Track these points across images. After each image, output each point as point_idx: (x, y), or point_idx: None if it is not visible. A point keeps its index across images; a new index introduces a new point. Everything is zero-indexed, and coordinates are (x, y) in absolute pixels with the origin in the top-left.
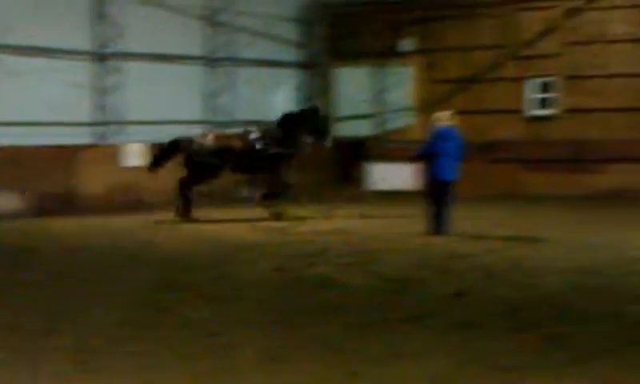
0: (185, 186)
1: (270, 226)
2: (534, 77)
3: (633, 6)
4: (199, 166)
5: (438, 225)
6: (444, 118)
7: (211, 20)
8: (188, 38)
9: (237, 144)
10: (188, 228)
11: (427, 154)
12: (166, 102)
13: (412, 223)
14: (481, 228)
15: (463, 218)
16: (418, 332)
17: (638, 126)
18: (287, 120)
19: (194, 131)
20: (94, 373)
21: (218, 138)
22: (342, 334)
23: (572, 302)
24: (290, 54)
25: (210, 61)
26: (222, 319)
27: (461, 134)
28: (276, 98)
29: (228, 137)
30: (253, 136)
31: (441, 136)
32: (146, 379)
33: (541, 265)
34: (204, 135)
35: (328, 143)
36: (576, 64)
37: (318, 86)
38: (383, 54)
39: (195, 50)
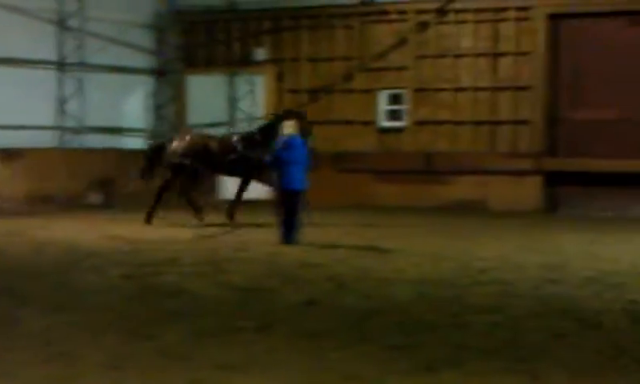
0: (184, 193)
1: (120, 234)
2: (385, 89)
3: (480, 21)
4: (176, 169)
5: (288, 234)
6: (290, 127)
7: (62, 24)
8: (39, 41)
9: (214, 145)
10: (40, 234)
11: (275, 163)
12: (15, 107)
13: (263, 232)
14: (331, 237)
15: (314, 228)
16: (266, 341)
17: (484, 139)
18: (268, 125)
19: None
20: None
21: (193, 139)
22: (187, 343)
23: (420, 312)
24: (142, 61)
25: (61, 65)
26: (63, 328)
27: (309, 143)
28: (128, 104)
29: (205, 138)
30: (234, 139)
31: (287, 145)
32: None
33: (390, 275)
34: (181, 137)
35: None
36: (425, 77)
37: (171, 93)
38: (236, 63)
39: (46, 55)
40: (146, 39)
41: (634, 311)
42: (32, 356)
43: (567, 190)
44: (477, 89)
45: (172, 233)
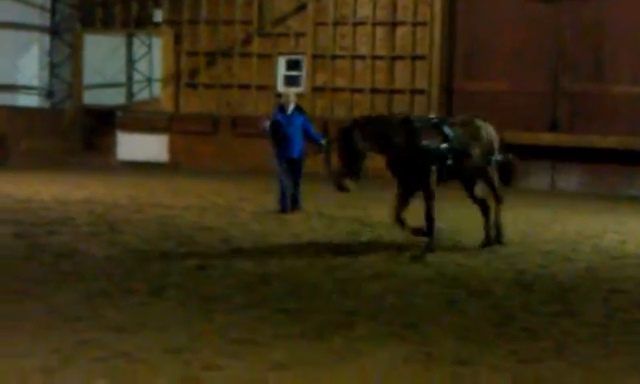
0: None
1: (12, 192)
2: (284, 54)
3: None
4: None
5: (284, 200)
6: (289, 97)
7: None
8: None
9: None
10: None
11: (273, 131)
12: None
13: (159, 194)
14: (229, 202)
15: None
16: (159, 303)
17: (379, 107)
18: None
19: None
20: None
21: None
22: (79, 304)
23: (311, 278)
24: (37, 18)
25: None
26: None
27: (305, 111)
28: (22, 61)
29: None
30: None
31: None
32: None
33: (286, 240)
34: None
35: None
36: (323, 44)
37: (67, 51)
38: (134, 24)
39: None
40: None
41: (522, 280)
42: None
43: None
44: (374, 57)
45: (66, 192)
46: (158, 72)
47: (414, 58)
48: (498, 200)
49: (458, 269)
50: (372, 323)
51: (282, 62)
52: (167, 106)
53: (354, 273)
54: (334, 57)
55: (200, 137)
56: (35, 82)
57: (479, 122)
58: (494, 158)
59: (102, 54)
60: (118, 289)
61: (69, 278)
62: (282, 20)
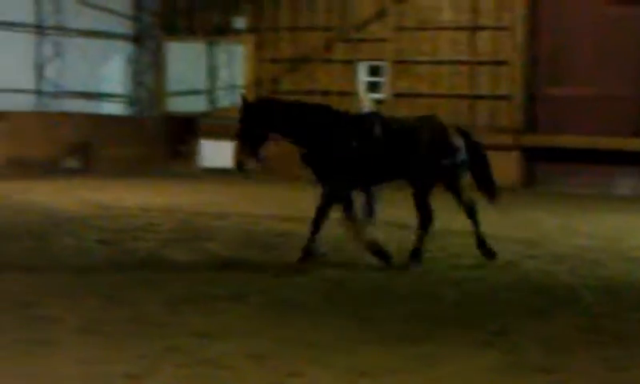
0: None
1: (97, 199)
2: (365, 60)
3: None
4: None
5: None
6: (361, 102)
7: None
8: (16, 4)
9: None
10: (18, 199)
11: None
12: None
13: (241, 201)
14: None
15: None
16: (242, 309)
17: (461, 112)
18: None
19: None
20: None
21: None
22: (163, 309)
23: (393, 284)
24: (121, 26)
25: (39, 28)
26: (40, 291)
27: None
28: (106, 69)
29: None
30: None
31: None
32: None
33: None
34: None
35: None
36: (404, 49)
37: (149, 59)
38: (216, 31)
39: (24, 17)
40: (124, 4)
41: (610, 287)
42: (10, 319)
43: (546, 166)
44: (456, 62)
45: (149, 199)
46: (239, 79)
47: (497, 63)
48: (469, 213)
49: (541, 275)
50: (454, 330)
51: (363, 68)
52: None
53: (432, 279)
54: (416, 62)
55: (283, 143)
56: (119, 90)
57: (431, 123)
58: (445, 162)
59: (185, 61)
60: (201, 295)
61: (153, 285)
62: (363, 25)
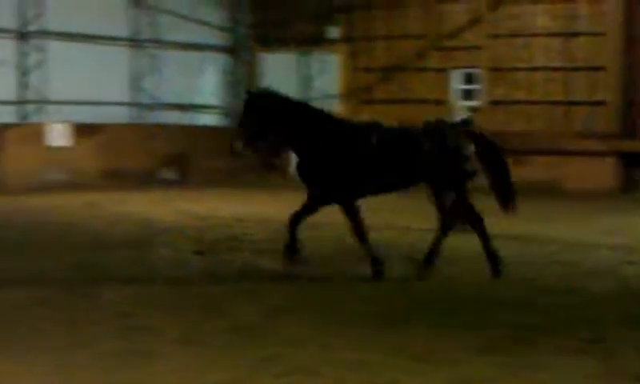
0: None
1: (193, 209)
2: (459, 68)
3: (554, 1)
4: None
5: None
6: (459, 109)
7: (136, 1)
8: (112, 18)
9: None
10: (115, 210)
11: None
12: (89, 82)
13: (335, 210)
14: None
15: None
16: (339, 319)
17: (558, 119)
18: None
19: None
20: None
21: None
22: (260, 319)
23: (493, 291)
24: (215, 38)
25: (135, 42)
26: (138, 302)
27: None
28: (202, 81)
29: None
30: None
31: None
32: (56, 359)
33: (471, 254)
34: None
35: None
36: (499, 56)
37: (244, 70)
38: (309, 41)
39: (119, 31)
40: (218, 16)
41: None
42: (108, 329)
43: None
44: (551, 69)
45: (244, 209)
46: (333, 88)
47: (592, 68)
48: (443, 227)
49: None
50: (552, 338)
51: (457, 76)
52: None
53: (528, 287)
54: (511, 69)
55: None
56: (214, 102)
57: (435, 127)
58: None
59: (278, 72)
60: (297, 305)
61: (249, 295)
62: (456, 33)
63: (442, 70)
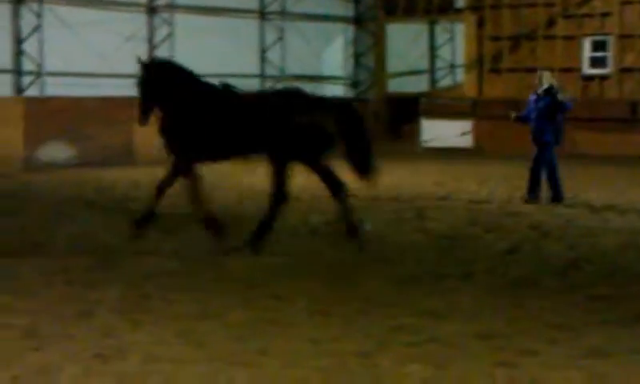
0: None
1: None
2: (589, 35)
3: None
4: None
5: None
6: (539, 78)
7: None
8: None
9: None
10: (244, 182)
11: (524, 116)
12: (216, 55)
13: (464, 180)
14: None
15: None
16: (469, 289)
17: None
18: None
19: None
20: (135, 321)
21: None
22: (390, 289)
23: (624, 263)
24: (341, 9)
25: (262, 14)
26: (266, 271)
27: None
28: (327, 52)
29: None
30: None
31: (534, 98)
32: (186, 329)
33: (594, 224)
34: None
35: None
36: (630, 23)
37: (370, 41)
38: (436, 10)
39: (247, 4)
40: None
41: None
42: (238, 299)
43: None
44: None
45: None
46: (460, 58)
47: None
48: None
49: None
50: None
51: (587, 44)
52: (470, 91)
53: None
54: None
55: (504, 122)
56: (340, 73)
57: (289, 97)
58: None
59: (405, 42)
60: (427, 274)
61: (378, 264)
62: (585, 0)
63: (571, 38)
